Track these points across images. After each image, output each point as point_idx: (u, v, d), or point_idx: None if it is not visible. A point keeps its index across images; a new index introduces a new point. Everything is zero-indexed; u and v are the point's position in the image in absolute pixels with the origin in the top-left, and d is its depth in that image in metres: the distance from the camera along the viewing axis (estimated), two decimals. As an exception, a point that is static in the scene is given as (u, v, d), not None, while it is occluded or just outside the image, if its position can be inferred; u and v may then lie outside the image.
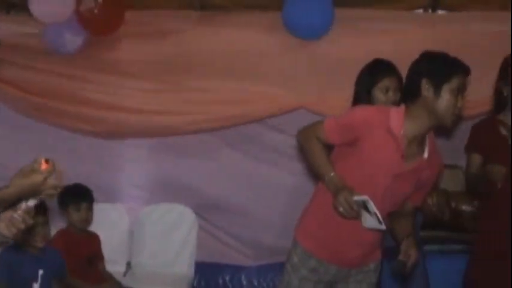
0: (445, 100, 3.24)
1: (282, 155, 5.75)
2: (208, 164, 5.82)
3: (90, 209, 5.01)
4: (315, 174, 3.71)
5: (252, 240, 5.81)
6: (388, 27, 5.65)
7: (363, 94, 4.13)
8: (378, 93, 4.09)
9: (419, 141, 3.37)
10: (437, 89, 3.24)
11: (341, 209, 3.18)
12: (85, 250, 4.95)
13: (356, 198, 3.17)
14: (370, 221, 3.20)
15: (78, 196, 4.98)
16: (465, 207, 5.37)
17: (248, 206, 5.77)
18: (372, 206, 3.12)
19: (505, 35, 5.37)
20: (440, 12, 5.86)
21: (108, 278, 5.13)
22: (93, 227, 5.19)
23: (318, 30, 5.50)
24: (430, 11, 5.85)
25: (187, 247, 5.74)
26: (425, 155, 3.40)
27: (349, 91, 4.32)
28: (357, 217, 3.22)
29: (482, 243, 4.29)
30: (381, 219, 3.14)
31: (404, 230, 3.51)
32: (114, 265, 5.41)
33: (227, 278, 5.91)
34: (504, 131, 4.23)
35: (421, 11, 5.90)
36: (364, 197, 3.14)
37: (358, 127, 3.34)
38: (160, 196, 5.88)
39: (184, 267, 5.71)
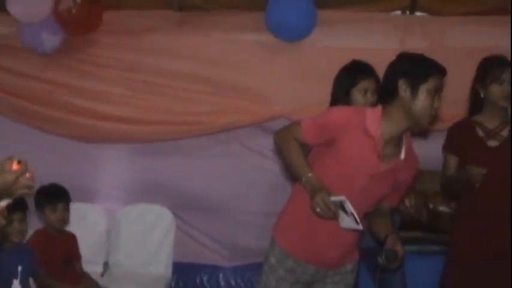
0: (421, 101, 3.25)
1: (260, 156, 5.76)
2: (186, 165, 5.82)
3: (66, 209, 4.99)
4: (292, 175, 3.71)
5: (229, 241, 5.82)
6: (367, 29, 5.66)
7: (341, 95, 4.14)
8: (356, 94, 4.09)
9: (395, 142, 3.38)
10: (414, 90, 3.25)
11: (318, 210, 3.18)
12: (62, 250, 4.92)
13: (333, 198, 3.17)
14: (347, 222, 3.21)
15: (54, 196, 4.95)
16: (442, 208, 5.40)
17: (226, 207, 5.78)
18: (349, 206, 3.13)
19: (483, 38, 5.42)
20: (418, 14, 5.88)
21: (86, 278, 5.11)
22: (71, 227, 5.16)
23: (302, 31, 5.51)
24: (408, 13, 5.86)
25: (164, 247, 5.74)
26: (402, 155, 3.41)
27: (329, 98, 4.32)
28: (334, 217, 3.22)
29: (459, 243, 4.32)
30: (358, 219, 3.15)
31: (386, 228, 3.52)
32: (91, 265, 5.38)
33: (205, 278, 5.91)
34: (481, 133, 4.26)
35: (399, 12, 5.91)
36: (342, 198, 3.15)
37: (335, 128, 3.36)
38: (138, 197, 5.87)
39: (162, 268, 5.70)
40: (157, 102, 5.64)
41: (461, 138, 4.32)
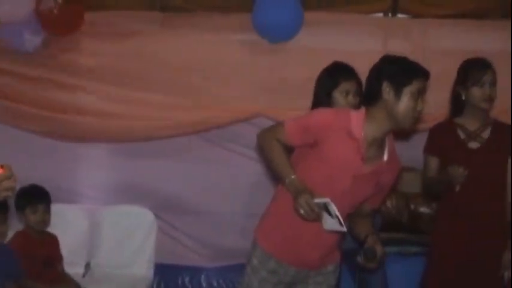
0: (405, 103, 3.26)
1: (242, 156, 5.76)
2: (168, 166, 5.80)
3: (47, 210, 4.96)
4: (275, 176, 3.71)
5: (211, 242, 5.81)
6: (349, 31, 5.67)
7: (322, 97, 4.13)
8: (337, 96, 4.08)
9: (379, 144, 3.38)
10: (397, 92, 3.26)
11: (302, 212, 3.18)
12: (43, 251, 4.90)
13: (317, 200, 3.17)
14: (331, 223, 3.21)
15: (35, 198, 4.92)
16: (424, 210, 5.42)
17: (208, 208, 5.77)
18: (333, 208, 3.13)
19: (464, 40, 5.45)
20: (400, 16, 5.90)
21: (67, 279, 5.08)
22: (52, 228, 5.13)
23: (290, 32, 5.52)
24: (389, 15, 5.88)
25: (146, 248, 5.72)
26: (385, 157, 3.42)
27: (308, 100, 4.33)
28: (318, 219, 3.22)
29: (439, 244, 4.35)
30: (342, 221, 3.15)
31: (366, 229, 3.52)
32: (73, 266, 5.36)
33: (186, 280, 5.89)
34: (462, 134, 4.28)
35: (381, 15, 5.93)
36: (326, 200, 3.15)
37: (318, 129, 3.36)
38: (119, 198, 5.85)
39: (144, 269, 5.69)
40: (139, 99, 5.61)
41: (442, 140, 4.35)
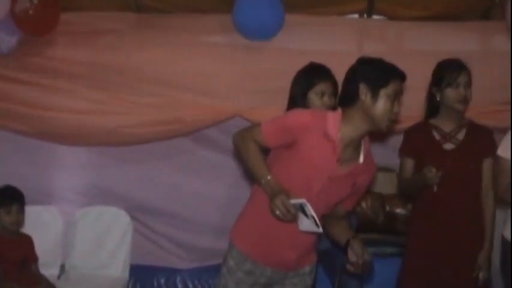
0: (381, 104, 3.27)
1: (218, 158, 5.77)
2: (143, 168, 5.81)
3: (21, 211, 4.94)
4: (251, 177, 3.70)
5: (187, 243, 5.80)
6: (325, 32, 5.68)
7: (298, 97, 4.15)
8: (313, 97, 4.10)
9: (355, 146, 3.39)
10: (374, 94, 3.27)
11: (278, 212, 3.17)
12: (17, 253, 4.87)
13: (293, 201, 3.17)
14: (306, 224, 3.20)
15: (8, 198, 4.89)
16: (399, 210, 5.45)
17: (183, 209, 5.76)
18: (309, 209, 3.13)
19: (440, 42, 5.48)
20: (375, 17, 5.92)
21: (42, 280, 5.05)
22: (27, 230, 5.11)
23: (270, 32, 5.53)
24: (365, 16, 5.90)
25: (121, 249, 5.69)
26: (361, 159, 3.44)
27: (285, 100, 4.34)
28: (294, 220, 3.22)
29: (414, 245, 4.37)
30: (318, 222, 3.15)
31: (346, 231, 3.53)
32: (48, 268, 5.33)
33: (162, 281, 5.90)
34: (437, 136, 4.30)
35: (356, 16, 5.94)
36: (302, 200, 3.14)
37: (295, 130, 3.36)
38: (94, 199, 5.82)
39: (119, 270, 5.65)
40: (115, 98, 5.58)
41: (417, 141, 4.37)
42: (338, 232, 3.57)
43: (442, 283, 4.23)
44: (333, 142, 3.31)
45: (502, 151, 4.18)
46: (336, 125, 3.33)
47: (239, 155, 3.64)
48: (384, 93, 3.27)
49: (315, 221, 3.15)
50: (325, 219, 3.52)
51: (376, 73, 3.31)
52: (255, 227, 3.55)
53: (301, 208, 3.16)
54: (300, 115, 3.46)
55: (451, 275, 4.20)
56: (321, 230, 3.19)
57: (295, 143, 3.35)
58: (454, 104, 4.25)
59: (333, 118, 3.36)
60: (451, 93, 4.24)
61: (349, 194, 3.50)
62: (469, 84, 4.23)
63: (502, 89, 5.35)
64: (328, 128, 3.33)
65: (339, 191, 3.45)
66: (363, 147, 3.44)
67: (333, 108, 4.00)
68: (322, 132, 3.33)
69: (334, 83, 4.11)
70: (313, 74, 4.16)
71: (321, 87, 4.10)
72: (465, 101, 4.22)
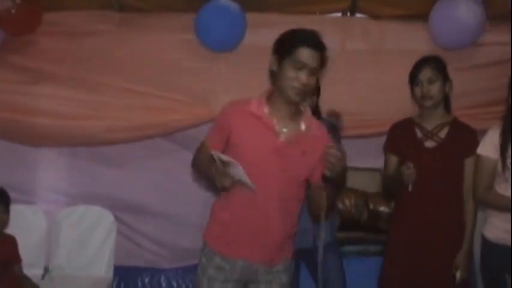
0: (285, 73, 3.37)
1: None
2: (127, 168, 5.80)
3: (5, 211, 4.91)
4: (211, 182, 3.71)
5: (170, 243, 5.79)
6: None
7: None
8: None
9: (290, 116, 3.52)
10: (280, 64, 3.40)
11: (218, 183, 3.33)
12: (0, 253, 4.86)
13: (223, 158, 3.30)
14: (238, 175, 3.32)
15: (-8, 198, 4.90)
16: (382, 209, 5.47)
17: (166, 209, 5.75)
18: (238, 169, 3.28)
19: (423, 41, 5.50)
20: (358, 16, 5.92)
21: (26, 281, 5.04)
22: (10, 229, 5.08)
23: (230, 44, 5.54)
24: (348, 14, 5.90)
25: (105, 249, 5.69)
26: (303, 127, 3.54)
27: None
28: (229, 177, 3.32)
29: (394, 243, 4.38)
30: (248, 181, 3.31)
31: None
32: (31, 268, 5.30)
33: (146, 280, 5.89)
34: (419, 133, 4.32)
35: (339, 14, 5.94)
36: (230, 159, 3.29)
37: (224, 122, 3.54)
38: (78, 200, 5.81)
39: (103, 270, 5.65)
40: (96, 100, 5.56)
41: (400, 138, 4.40)
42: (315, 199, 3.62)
43: (421, 282, 4.23)
44: (261, 118, 3.43)
45: (481, 149, 4.18)
46: (261, 103, 3.48)
47: (199, 175, 3.72)
48: (287, 62, 3.37)
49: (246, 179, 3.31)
50: (306, 198, 3.64)
51: (282, 43, 3.44)
52: (219, 221, 3.67)
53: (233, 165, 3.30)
54: (223, 109, 3.64)
55: (431, 274, 4.20)
56: (252, 186, 3.34)
57: (230, 135, 3.50)
58: (419, 101, 4.32)
59: (258, 99, 3.50)
60: (415, 91, 4.31)
61: (308, 167, 3.55)
62: (432, 80, 4.24)
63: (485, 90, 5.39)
64: (251, 108, 3.46)
65: (293, 163, 3.50)
66: (304, 116, 3.57)
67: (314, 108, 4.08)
68: (248, 114, 3.47)
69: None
70: None
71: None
72: (429, 97, 4.24)
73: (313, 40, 3.41)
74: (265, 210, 3.50)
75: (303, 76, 3.35)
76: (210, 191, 5.29)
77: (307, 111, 3.60)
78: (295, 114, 3.53)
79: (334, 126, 3.98)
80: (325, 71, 3.64)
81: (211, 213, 3.75)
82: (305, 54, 3.36)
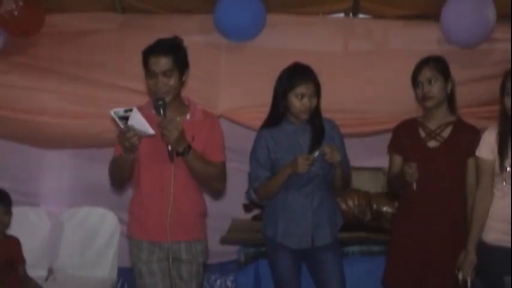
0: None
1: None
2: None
3: (7, 212, 4.92)
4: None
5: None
6: (310, 32, 5.68)
7: (279, 96, 4.20)
8: (293, 98, 4.15)
9: (174, 110, 3.94)
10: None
11: (126, 144, 3.69)
12: (3, 254, 4.86)
13: (120, 110, 3.65)
14: (136, 124, 3.64)
15: (-6, 200, 4.90)
16: (386, 209, 5.45)
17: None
18: (136, 115, 3.60)
19: (424, 40, 5.50)
20: (361, 16, 5.93)
21: (29, 282, 5.04)
22: (14, 231, 5.10)
23: (251, 32, 5.56)
24: (351, 15, 5.91)
25: (109, 250, 5.70)
26: (188, 116, 4.00)
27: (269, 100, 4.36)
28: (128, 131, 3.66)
29: (397, 242, 4.38)
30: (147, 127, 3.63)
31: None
32: (35, 270, 5.31)
33: (150, 281, 5.89)
34: (422, 133, 4.32)
35: (342, 15, 5.95)
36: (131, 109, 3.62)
37: None
38: (82, 201, 5.81)
39: (107, 271, 5.66)
40: (100, 99, 5.56)
41: (404, 138, 4.39)
42: None
43: (425, 281, 4.23)
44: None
45: (478, 151, 4.17)
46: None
47: (115, 175, 4.13)
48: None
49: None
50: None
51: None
52: (133, 209, 4.13)
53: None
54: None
55: (434, 273, 4.19)
56: (151, 131, 3.66)
57: None
58: (420, 102, 4.32)
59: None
60: (416, 92, 4.31)
61: (199, 148, 3.92)
62: (431, 80, 4.22)
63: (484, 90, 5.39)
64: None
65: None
66: (191, 108, 4.06)
67: (314, 109, 4.10)
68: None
69: (316, 85, 4.15)
70: (294, 75, 4.20)
71: (301, 89, 4.14)
72: (429, 97, 4.23)
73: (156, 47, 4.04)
74: (168, 193, 3.92)
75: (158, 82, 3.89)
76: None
77: (192, 102, 4.11)
78: (178, 106, 4.02)
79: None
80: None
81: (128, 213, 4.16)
82: (152, 61, 3.96)
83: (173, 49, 4.03)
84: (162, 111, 3.78)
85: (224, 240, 5.27)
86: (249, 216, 5.70)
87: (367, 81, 5.50)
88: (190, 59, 5.58)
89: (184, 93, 5.55)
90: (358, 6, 5.74)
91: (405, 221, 4.33)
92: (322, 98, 4.24)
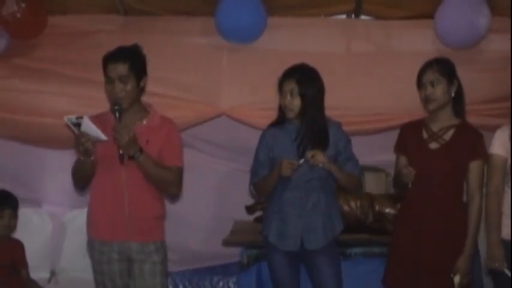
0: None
1: (207, 159, 5.79)
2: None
3: (13, 215, 4.94)
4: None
5: (178, 246, 5.74)
6: (313, 33, 5.69)
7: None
8: (280, 97, 4.28)
9: (133, 114, 4.05)
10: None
11: (81, 149, 3.81)
12: (7, 257, 4.87)
13: (73, 117, 3.76)
14: (89, 130, 3.75)
15: (1, 202, 4.90)
16: (388, 210, 5.44)
17: (174, 211, 5.74)
18: (87, 123, 3.72)
19: (426, 42, 5.50)
20: (363, 17, 5.93)
21: (32, 285, 5.05)
22: (16, 233, 5.11)
23: (253, 34, 5.56)
24: (353, 16, 5.91)
25: (111, 252, 5.68)
26: (145, 121, 4.10)
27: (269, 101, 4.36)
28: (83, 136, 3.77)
29: (397, 243, 4.39)
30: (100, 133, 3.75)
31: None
32: (37, 272, 5.33)
33: (152, 283, 5.89)
34: (425, 135, 4.32)
35: (344, 16, 5.95)
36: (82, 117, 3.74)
37: None
38: (84, 201, 5.79)
39: (109, 273, 5.65)
40: (101, 100, 5.55)
41: (409, 138, 4.41)
42: None
43: (424, 282, 4.23)
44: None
45: (491, 149, 4.19)
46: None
47: (77, 177, 4.25)
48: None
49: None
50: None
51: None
52: (90, 211, 4.21)
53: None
54: None
55: (434, 275, 4.19)
56: (104, 137, 3.78)
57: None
58: (423, 104, 4.33)
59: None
60: (420, 94, 4.32)
61: (153, 153, 4.01)
62: (434, 82, 4.22)
63: (488, 88, 5.38)
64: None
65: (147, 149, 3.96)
66: (150, 113, 4.15)
67: (306, 110, 4.10)
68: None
69: (299, 83, 4.17)
70: (282, 75, 4.26)
71: (283, 86, 4.22)
72: (431, 100, 4.23)
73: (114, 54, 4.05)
74: (121, 194, 4.02)
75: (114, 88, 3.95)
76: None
77: (152, 109, 4.19)
78: (137, 111, 4.11)
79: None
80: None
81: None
82: (109, 67, 3.99)
83: (130, 55, 4.07)
84: (117, 116, 3.89)
85: (226, 242, 5.27)
86: (251, 218, 5.70)
87: (370, 82, 5.50)
88: (193, 60, 5.64)
89: (187, 94, 5.61)
90: (360, 8, 5.74)
91: (405, 222, 4.34)
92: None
